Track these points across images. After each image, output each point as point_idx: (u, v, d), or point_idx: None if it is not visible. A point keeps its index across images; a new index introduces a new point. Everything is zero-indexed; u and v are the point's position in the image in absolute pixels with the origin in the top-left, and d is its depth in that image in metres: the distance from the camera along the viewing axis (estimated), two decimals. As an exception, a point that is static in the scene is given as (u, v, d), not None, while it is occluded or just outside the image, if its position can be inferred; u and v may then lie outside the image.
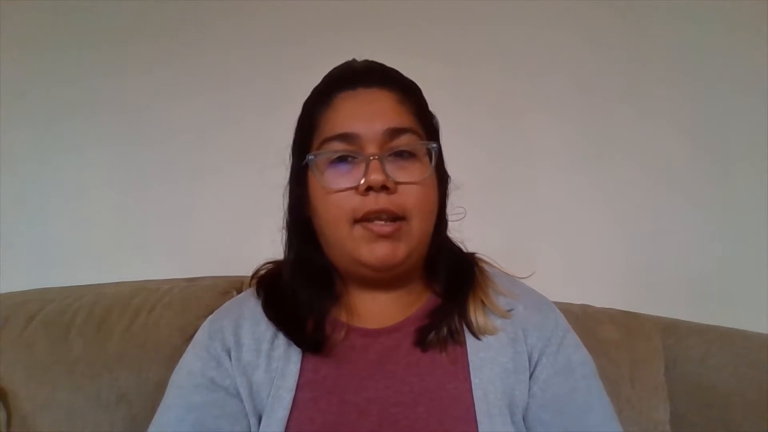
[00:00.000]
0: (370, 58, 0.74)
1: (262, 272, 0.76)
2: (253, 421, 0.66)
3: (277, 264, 0.76)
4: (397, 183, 0.64)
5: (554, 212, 1.28)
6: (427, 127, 0.70)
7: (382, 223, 0.64)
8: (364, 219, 0.64)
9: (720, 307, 1.16)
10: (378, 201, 0.63)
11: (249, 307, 0.73)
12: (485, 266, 0.76)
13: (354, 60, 0.73)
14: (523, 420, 0.67)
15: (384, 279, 0.70)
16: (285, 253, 0.74)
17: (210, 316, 0.75)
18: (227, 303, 0.77)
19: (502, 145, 1.29)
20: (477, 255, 0.77)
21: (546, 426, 0.66)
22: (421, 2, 1.30)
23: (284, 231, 0.74)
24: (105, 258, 1.28)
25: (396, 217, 0.64)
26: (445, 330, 0.67)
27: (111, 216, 1.30)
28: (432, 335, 0.67)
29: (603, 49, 1.29)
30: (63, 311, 1.04)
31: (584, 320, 1.01)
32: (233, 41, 1.32)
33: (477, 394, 0.64)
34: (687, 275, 1.24)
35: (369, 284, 0.71)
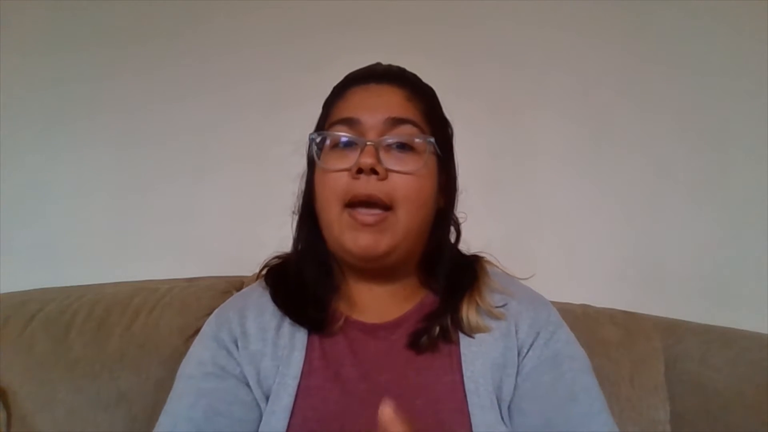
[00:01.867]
0: (371, 57, 0.75)
1: (272, 264, 0.77)
2: (263, 407, 0.67)
3: (284, 257, 0.77)
4: (389, 170, 0.66)
5: (554, 211, 1.28)
6: (434, 126, 0.71)
7: (367, 211, 0.65)
8: (351, 204, 0.66)
9: (720, 307, 1.16)
10: (367, 186, 0.65)
11: (253, 298, 0.74)
12: (487, 266, 0.76)
13: (378, 63, 0.75)
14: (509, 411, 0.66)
15: (374, 270, 0.71)
16: (294, 237, 0.76)
17: (216, 310, 0.76)
18: (231, 298, 0.78)
19: (502, 143, 1.29)
20: (482, 256, 0.77)
21: (525, 416, 0.65)
22: (421, 1, 1.30)
23: (295, 215, 0.75)
24: (105, 258, 1.28)
25: (382, 206, 0.65)
26: (437, 330, 0.68)
27: (111, 216, 1.30)
28: (424, 339, 0.67)
29: (603, 47, 1.29)
30: (63, 311, 1.04)
31: (584, 320, 1.01)
32: (233, 41, 1.32)
33: (469, 386, 0.65)
34: (687, 275, 1.23)
35: (363, 275, 0.72)
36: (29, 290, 1.11)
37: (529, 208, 1.29)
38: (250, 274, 0.78)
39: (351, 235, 0.66)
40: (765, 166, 1.22)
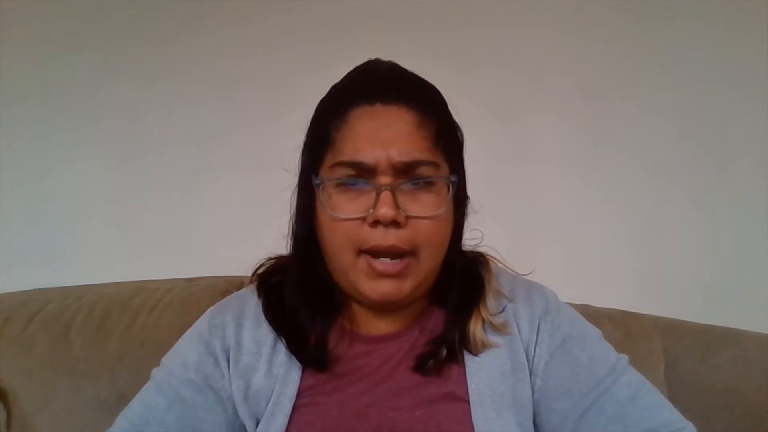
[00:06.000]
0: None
1: (264, 268, 0.75)
2: (249, 424, 0.66)
3: (278, 260, 0.75)
4: (408, 217, 0.61)
5: (554, 212, 1.28)
6: (449, 150, 0.66)
7: (388, 260, 0.62)
8: (369, 252, 0.62)
9: (720, 307, 1.16)
10: (386, 237, 0.60)
11: (251, 306, 0.72)
12: (492, 264, 0.74)
13: (377, 60, 0.69)
14: (536, 415, 0.66)
15: (386, 308, 0.69)
16: (289, 257, 0.72)
17: (212, 308, 0.74)
18: (229, 297, 0.76)
19: (503, 144, 1.29)
20: (486, 254, 0.75)
21: (561, 414, 0.64)
22: (421, 4, 1.30)
23: (289, 237, 0.71)
24: (105, 258, 1.28)
25: (404, 253, 0.62)
26: (444, 353, 0.66)
27: (111, 216, 1.30)
28: (431, 363, 0.66)
29: (603, 48, 1.28)
30: (63, 311, 1.04)
31: (584, 320, 1.01)
32: (233, 45, 1.32)
33: (473, 399, 0.64)
34: (687, 275, 1.23)
35: (371, 307, 0.70)
36: (29, 290, 1.11)
37: (529, 209, 1.28)
38: (250, 274, 0.78)
39: (370, 284, 0.63)
40: (764, 167, 1.22)
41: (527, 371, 0.67)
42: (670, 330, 1.03)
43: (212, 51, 1.32)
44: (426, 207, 0.62)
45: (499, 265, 0.76)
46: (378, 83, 0.66)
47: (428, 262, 0.64)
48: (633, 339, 1.00)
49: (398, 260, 0.62)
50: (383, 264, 0.62)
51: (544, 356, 0.67)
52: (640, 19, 1.28)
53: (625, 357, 0.68)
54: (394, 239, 0.61)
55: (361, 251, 0.62)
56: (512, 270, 0.76)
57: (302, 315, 0.68)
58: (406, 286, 0.63)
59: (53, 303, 1.05)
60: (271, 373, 0.66)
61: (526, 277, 0.76)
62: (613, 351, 0.68)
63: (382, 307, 0.68)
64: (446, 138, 0.66)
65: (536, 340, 0.68)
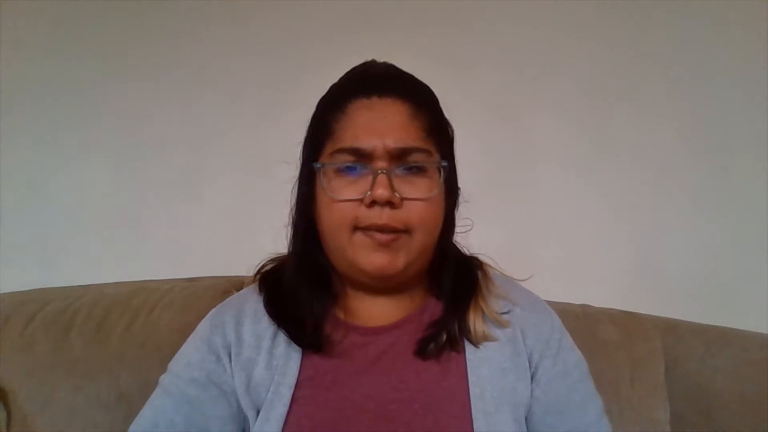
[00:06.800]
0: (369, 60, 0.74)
1: (266, 268, 0.77)
2: (251, 415, 0.67)
3: (280, 260, 0.77)
4: (403, 198, 0.65)
5: (554, 212, 1.28)
6: (440, 141, 0.70)
7: (382, 234, 0.65)
8: (365, 230, 0.65)
9: (720, 307, 1.16)
10: (382, 215, 0.64)
11: (250, 303, 0.73)
12: (488, 269, 0.76)
13: (374, 61, 0.73)
14: (527, 420, 0.68)
15: (383, 286, 0.71)
16: (288, 249, 0.75)
17: (212, 310, 0.76)
18: (230, 298, 0.78)
19: (503, 145, 1.29)
20: (480, 258, 0.77)
21: (551, 428, 0.68)
22: (420, 2, 1.30)
23: (289, 227, 0.74)
24: (105, 258, 1.28)
25: (398, 231, 0.65)
26: (444, 338, 0.68)
27: (111, 216, 1.30)
28: (431, 347, 0.68)
29: (603, 48, 1.29)
30: (63, 311, 1.04)
31: (584, 320, 1.01)
32: (233, 46, 1.32)
33: (474, 391, 0.65)
34: (687, 275, 1.24)
35: (368, 289, 0.72)
36: (29, 290, 1.11)
37: (529, 209, 1.28)
38: (250, 274, 0.78)
39: (366, 256, 0.65)
40: (765, 168, 1.22)
41: (528, 374, 0.69)
42: (670, 330, 1.03)
43: (212, 51, 1.32)
44: (419, 190, 0.66)
45: (496, 270, 0.77)
46: (375, 79, 0.70)
47: (421, 240, 0.67)
48: (633, 339, 1.00)
49: (393, 234, 0.65)
50: (378, 234, 0.65)
51: (548, 372, 0.69)
52: (640, 18, 1.28)
53: (600, 400, 0.73)
54: (389, 218, 0.64)
55: (357, 229, 0.65)
56: (508, 275, 0.78)
57: (299, 298, 0.70)
58: (400, 259, 0.66)
59: (53, 303, 1.05)
60: (271, 364, 0.68)
61: (524, 282, 0.78)
62: (595, 390, 0.73)
63: (378, 283, 0.70)
64: (437, 130, 0.70)
65: (544, 352, 0.70)
